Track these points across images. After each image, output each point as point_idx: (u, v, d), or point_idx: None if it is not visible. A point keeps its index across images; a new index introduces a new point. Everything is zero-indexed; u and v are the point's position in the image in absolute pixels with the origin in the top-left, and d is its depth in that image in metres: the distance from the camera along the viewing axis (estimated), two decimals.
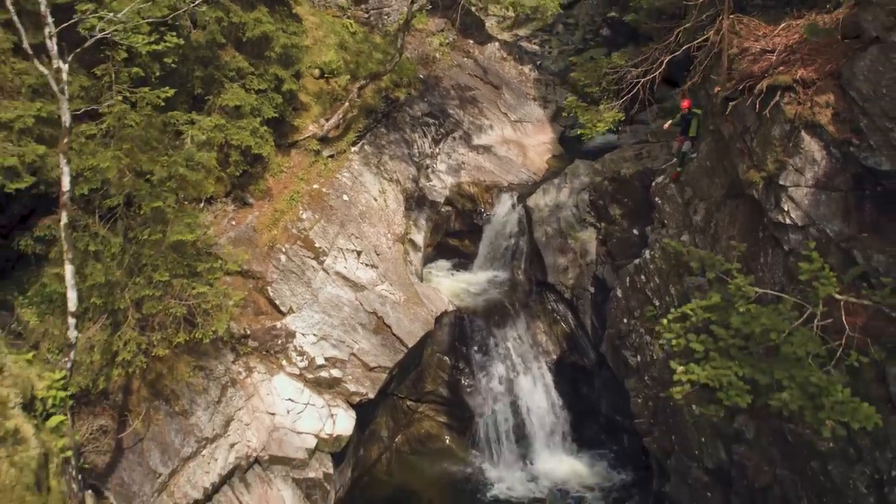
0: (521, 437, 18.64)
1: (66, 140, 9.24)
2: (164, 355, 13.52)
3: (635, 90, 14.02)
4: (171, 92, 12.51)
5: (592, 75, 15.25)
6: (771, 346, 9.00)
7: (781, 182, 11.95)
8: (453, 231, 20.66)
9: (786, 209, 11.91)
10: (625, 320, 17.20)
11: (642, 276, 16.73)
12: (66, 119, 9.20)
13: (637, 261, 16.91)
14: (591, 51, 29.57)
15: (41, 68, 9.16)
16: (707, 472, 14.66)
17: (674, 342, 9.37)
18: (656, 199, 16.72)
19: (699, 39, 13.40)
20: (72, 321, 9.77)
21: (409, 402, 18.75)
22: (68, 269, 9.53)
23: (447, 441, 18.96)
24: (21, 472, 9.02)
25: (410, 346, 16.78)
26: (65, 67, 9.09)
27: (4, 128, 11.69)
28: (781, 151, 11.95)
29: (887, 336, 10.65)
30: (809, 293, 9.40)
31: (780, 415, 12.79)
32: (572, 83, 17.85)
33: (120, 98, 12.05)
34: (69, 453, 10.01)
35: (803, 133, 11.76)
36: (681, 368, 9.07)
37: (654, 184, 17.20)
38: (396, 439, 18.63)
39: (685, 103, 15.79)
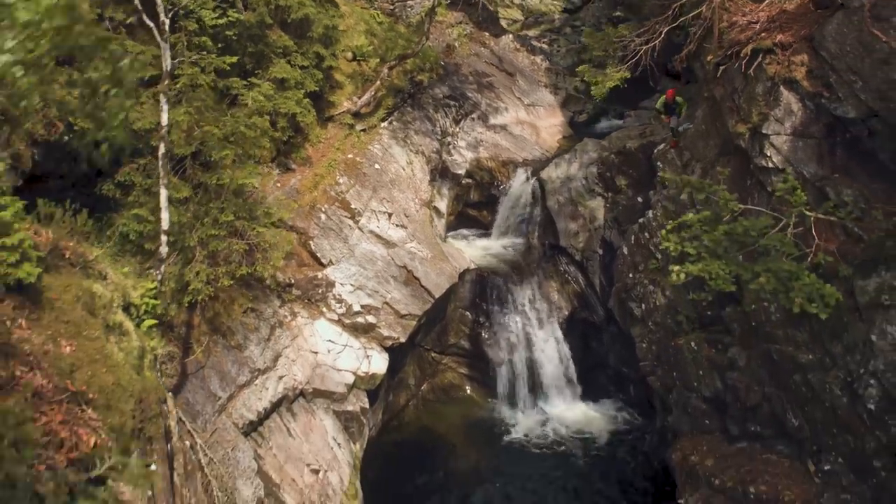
0: (537, 386, 20.37)
1: (166, 82, 11.16)
2: (223, 294, 15.44)
3: (638, 56, 15.94)
4: (235, 59, 14.48)
5: (601, 42, 17.19)
6: (751, 252, 10.79)
7: (764, 131, 13.78)
8: (473, 202, 22.54)
9: (768, 154, 13.73)
10: (630, 275, 18.98)
11: (646, 233, 18.52)
12: (168, 65, 11.12)
13: (641, 220, 18.71)
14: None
15: (148, 22, 11.10)
16: (705, 400, 16.38)
17: (672, 248, 11.16)
18: (658, 163, 18.55)
19: (694, 13, 15.29)
20: (164, 238, 11.67)
21: (433, 354, 20.55)
22: (163, 193, 11.43)
23: (468, 391, 20.73)
24: (127, 356, 10.87)
25: (437, 296, 18.60)
26: (167, 21, 11.01)
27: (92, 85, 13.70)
28: (764, 105, 13.80)
29: (854, 255, 12.44)
30: (784, 211, 11.21)
31: (767, 338, 14.59)
32: (584, 46, 19.82)
33: (191, 62, 14.01)
34: (159, 351, 11.86)
35: (782, 88, 13.62)
36: (677, 267, 10.88)
37: (655, 151, 19.05)
38: (422, 388, 20.41)
39: (670, 92, 17.98)
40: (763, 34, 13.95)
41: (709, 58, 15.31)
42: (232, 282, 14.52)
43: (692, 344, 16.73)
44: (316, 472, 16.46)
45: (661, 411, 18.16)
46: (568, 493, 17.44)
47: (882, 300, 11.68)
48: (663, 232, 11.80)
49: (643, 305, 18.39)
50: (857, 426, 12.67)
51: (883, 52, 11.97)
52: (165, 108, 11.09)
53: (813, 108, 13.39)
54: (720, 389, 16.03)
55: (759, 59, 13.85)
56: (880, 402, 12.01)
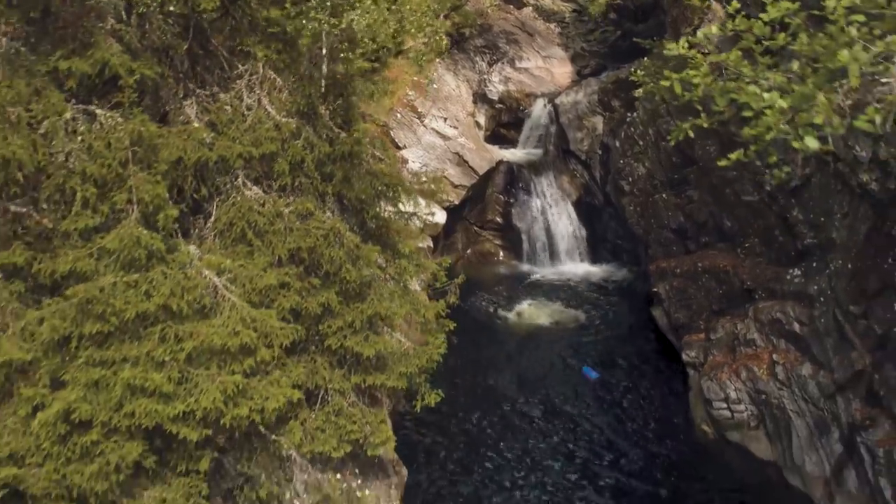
0: (552, 250, 27.30)
1: None
2: None
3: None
4: None
5: None
6: None
7: (701, 28, 20.90)
8: (504, 122, 29.70)
9: (704, 44, 20.81)
10: (621, 161, 25.95)
11: (631, 128, 25.51)
12: None
13: (628, 118, 25.77)
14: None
15: None
16: (672, 231, 23.21)
17: (639, 78, 18.24)
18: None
19: None
20: None
21: (475, 228, 27.56)
22: None
23: (501, 256, 27.69)
24: None
25: (481, 174, 25.68)
26: None
27: None
28: (700, 12, 20.97)
29: None
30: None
31: (710, 172, 21.45)
32: None
33: None
34: None
35: (713, 3, 20.80)
36: (639, 90, 17.93)
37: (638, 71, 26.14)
38: (467, 251, 27.39)
39: None
40: None
41: None
42: None
43: (664, 196, 23.66)
44: None
45: (644, 253, 25.01)
46: (573, 307, 24.33)
47: None
48: (633, 70, 18.91)
49: (629, 179, 25.33)
50: (763, 210, 19.52)
51: None
52: None
53: (734, 14, 20.52)
54: (682, 222, 22.89)
55: None
56: (772, 184, 18.89)
